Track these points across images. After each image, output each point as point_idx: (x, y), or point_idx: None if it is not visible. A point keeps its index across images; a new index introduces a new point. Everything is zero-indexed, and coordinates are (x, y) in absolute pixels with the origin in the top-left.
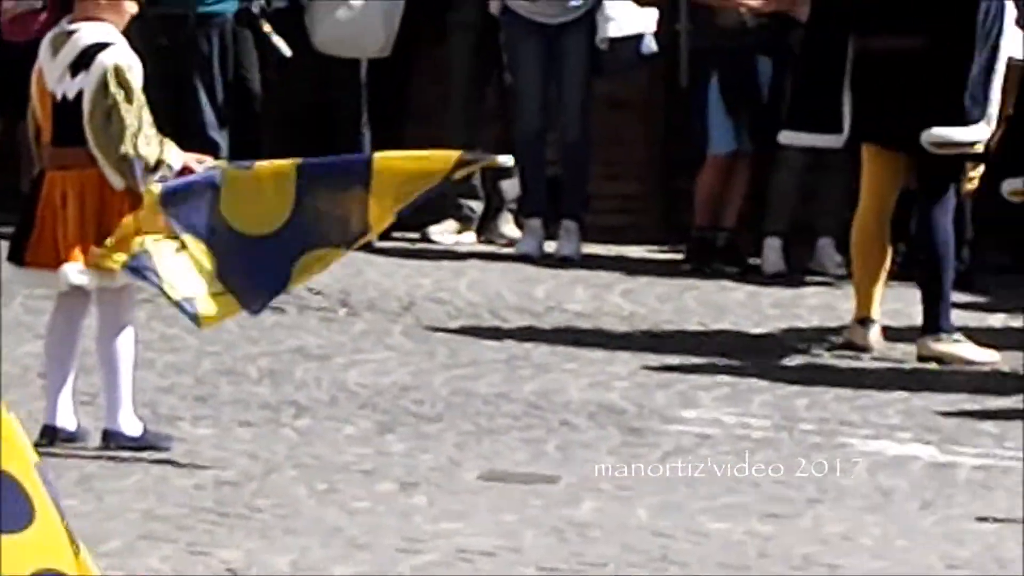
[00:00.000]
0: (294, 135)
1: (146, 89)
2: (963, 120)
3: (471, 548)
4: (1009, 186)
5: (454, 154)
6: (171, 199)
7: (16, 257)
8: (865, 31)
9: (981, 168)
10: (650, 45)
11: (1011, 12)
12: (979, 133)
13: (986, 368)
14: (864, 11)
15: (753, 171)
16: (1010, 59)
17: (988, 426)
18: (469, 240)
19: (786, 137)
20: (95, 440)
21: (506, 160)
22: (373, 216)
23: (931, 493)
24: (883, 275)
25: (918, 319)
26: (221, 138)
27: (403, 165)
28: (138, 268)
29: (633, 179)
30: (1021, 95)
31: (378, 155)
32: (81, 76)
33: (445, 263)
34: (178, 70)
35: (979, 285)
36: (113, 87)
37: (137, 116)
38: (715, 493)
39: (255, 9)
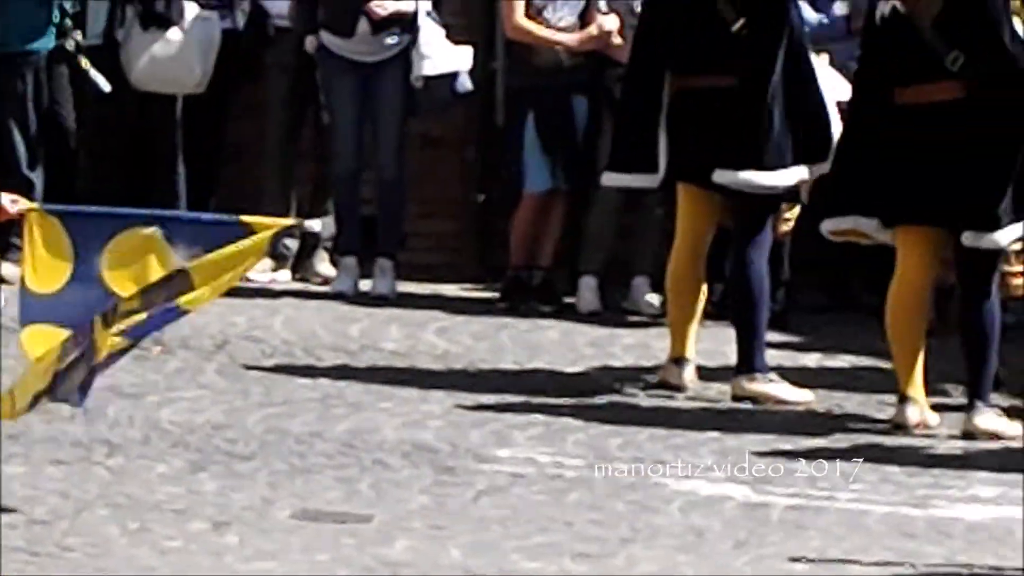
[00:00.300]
0: (110, 172)
1: None
2: (763, 164)
3: None
4: (830, 225)
5: (265, 236)
6: None
7: None
8: (680, 70)
9: (797, 209)
10: (465, 84)
11: (822, 61)
12: (780, 179)
13: (800, 408)
14: (680, 51)
15: (569, 210)
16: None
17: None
18: (284, 278)
19: (607, 179)
20: None
21: (312, 225)
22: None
23: (744, 533)
24: (698, 314)
25: (733, 359)
26: (35, 177)
27: (217, 260)
28: None
29: (449, 217)
30: (841, 137)
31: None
32: None
33: (260, 301)
34: None
35: (794, 325)
36: None
37: None
38: (528, 532)
39: (70, 46)
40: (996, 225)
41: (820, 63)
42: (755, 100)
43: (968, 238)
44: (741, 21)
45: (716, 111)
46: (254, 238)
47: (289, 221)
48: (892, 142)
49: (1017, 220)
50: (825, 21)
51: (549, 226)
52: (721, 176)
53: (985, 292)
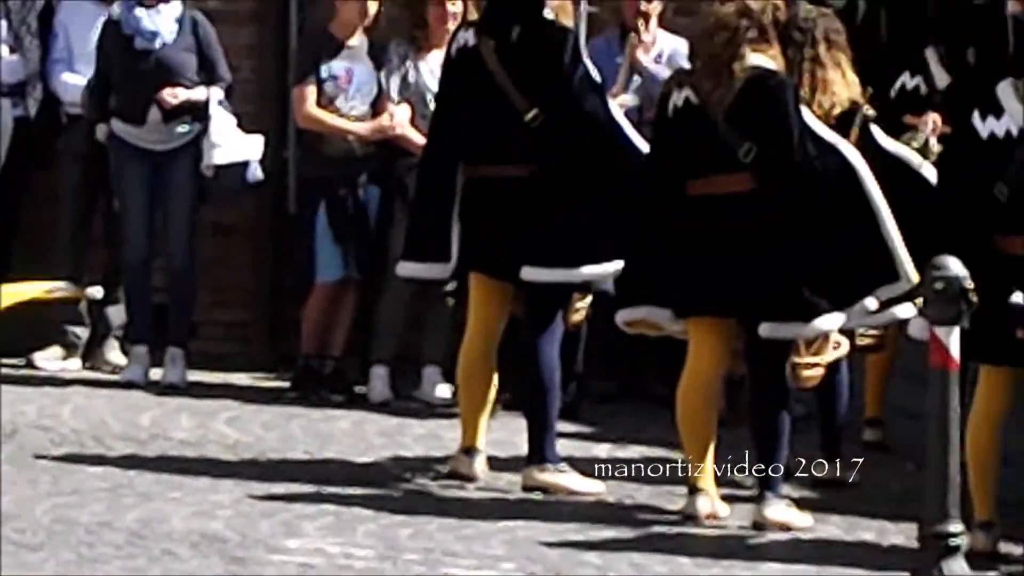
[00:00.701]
0: None
1: None
2: (560, 260)
3: None
4: (624, 316)
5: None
6: None
7: None
8: (473, 160)
9: (588, 298)
10: (256, 173)
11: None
12: (578, 275)
13: (591, 499)
14: (473, 140)
15: (360, 299)
16: None
17: (592, 557)
18: (74, 367)
19: (402, 268)
20: None
21: (95, 292)
22: None
23: None
24: (489, 405)
25: (524, 449)
26: None
27: None
28: None
29: (240, 306)
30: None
31: None
32: None
33: (49, 390)
34: None
35: (585, 415)
36: None
37: None
38: None
39: None
40: (783, 317)
41: None
42: (550, 192)
43: (766, 329)
44: (534, 111)
45: (509, 202)
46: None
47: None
48: (684, 233)
49: (814, 313)
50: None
51: (340, 315)
52: (527, 273)
53: (775, 383)
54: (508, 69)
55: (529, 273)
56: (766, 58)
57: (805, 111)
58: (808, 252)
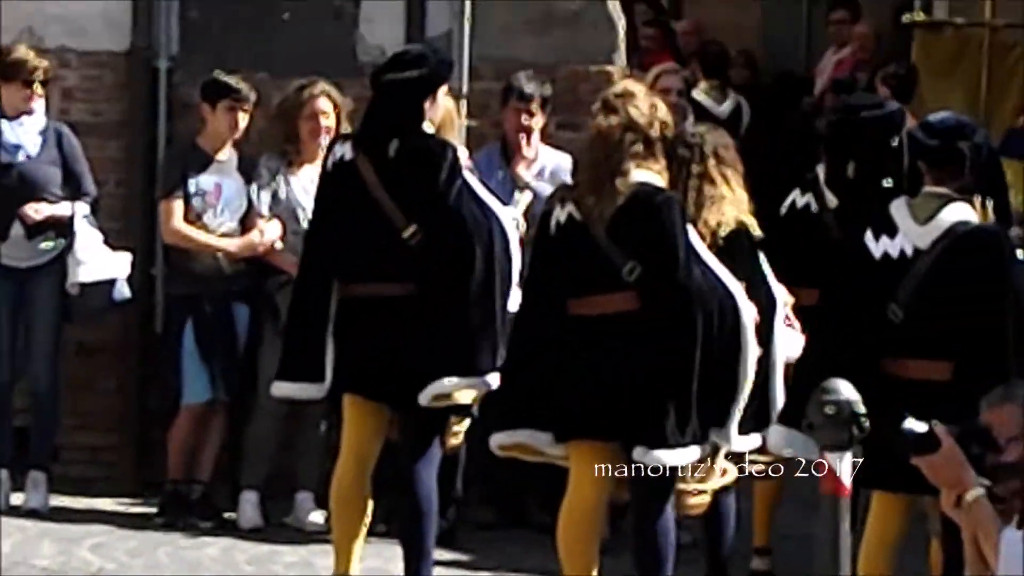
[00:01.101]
0: None
1: None
2: (433, 376)
3: None
4: (502, 439)
5: None
6: None
7: None
8: (349, 278)
9: (466, 422)
10: (123, 291)
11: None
12: (469, 393)
13: None
14: (349, 257)
15: (229, 421)
16: None
17: None
18: None
19: (276, 388)
20: None
21: None
22: None
23: None
24: (363, 530)
25: None
26: None
27: None
28: None
29: (105, 429)
30: (511, 347)
31: None
32: None
33: None
34: None
35: (463, 542)
36: None
37: None
38: None
39: None
40: (665, 443)
41: None
42: (427, 311)
43: (638, 454)
44: (412, 228)
45: (386, 321)
46: None
47: None
48: (565, 354)
49: (688, 441)
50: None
51: (209, 438)
52: (397, 393)
53: (658, 510)
54: (386, 184)
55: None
56: (652, 173)
57: (692, 233)
58: (687, 377)
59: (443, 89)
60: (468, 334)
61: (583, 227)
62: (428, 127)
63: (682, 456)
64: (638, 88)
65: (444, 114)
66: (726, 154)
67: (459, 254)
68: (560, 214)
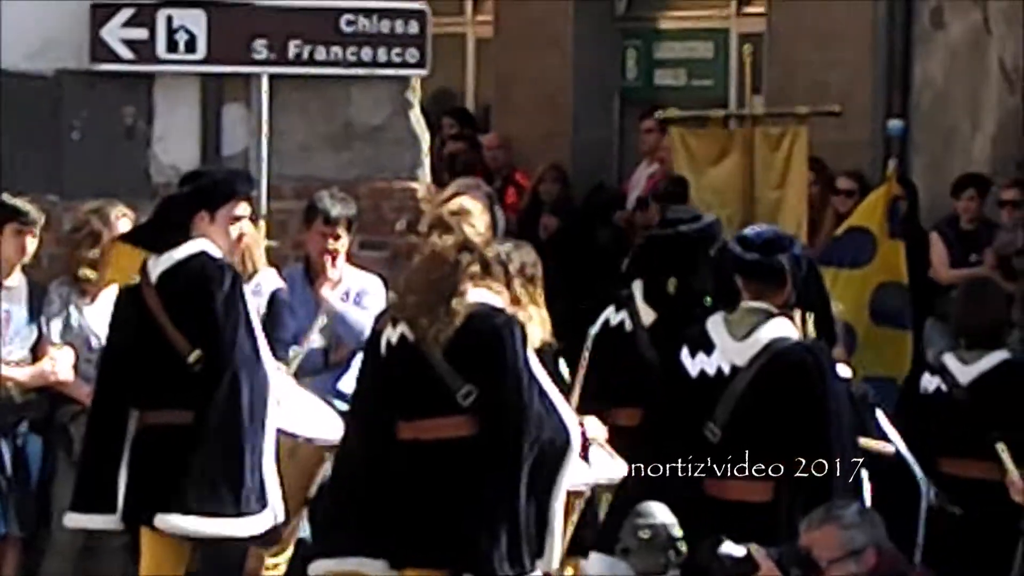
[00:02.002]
0: None
1: None
2: (202, 509)
3: None
4: (330, 566)
5: None
6: None
7: None
8: (142, 406)
9: (287, 553)
10: None
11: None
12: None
13: None
14: (141, 385)
15: (24, 557)
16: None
17: None
18: None
19: (69, 520)
20: None
21: None
22: None
23: None
24: None
25: None
26: None
27: None
28: None
29: None
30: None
31: None
32: None
33: None
34: None
35: None
36: None
37: None
38: None
39: None
40: (492, 572)
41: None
42: (200, 440)
43: None
44: (196, 353)
45: (172, 449)
46: None
47: None
48: (395, 479)
49: (518, 571)
50: (300, 352)
51: (2, 574)
52: (161, 521)
53: None
54: (169, 309)
55: (160, 521)
56: (490, 293)
57: (532, 356)
58: (517, 504)
59: (241, 210)
60: (238, 465)
61: (416, 348)
62: (211, 247)
63: None
64: (474, 205)
65: (249, 236)
66: (534, 272)
67: (237, 383)
68: (392, 334)
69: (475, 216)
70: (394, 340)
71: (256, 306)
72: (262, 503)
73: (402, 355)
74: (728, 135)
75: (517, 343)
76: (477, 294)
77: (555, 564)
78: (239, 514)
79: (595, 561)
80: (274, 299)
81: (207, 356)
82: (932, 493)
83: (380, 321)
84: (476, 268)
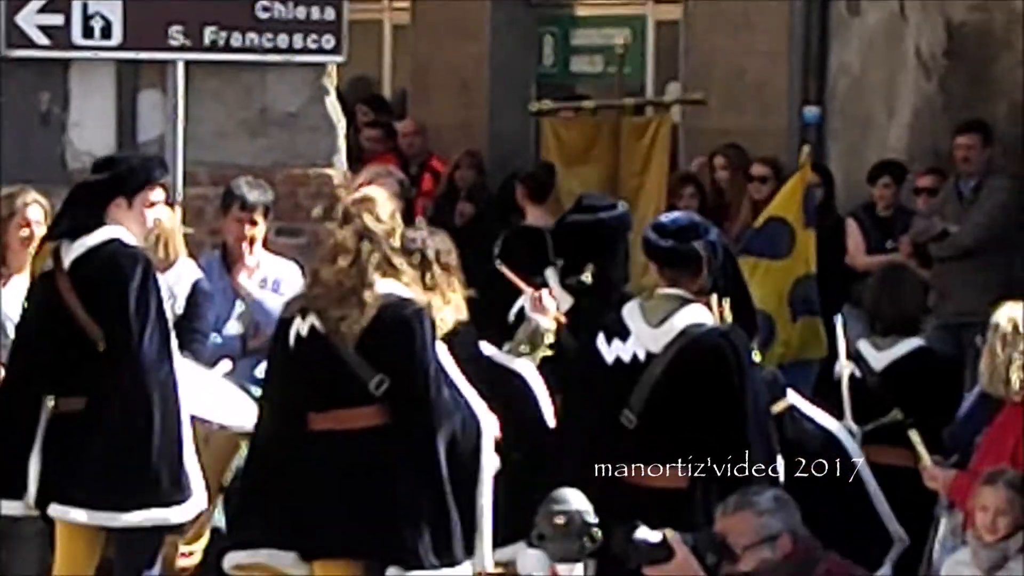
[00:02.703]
0: None
1: None
2: (96, 501)
3: None
4: (240, 558)
5: None
6: None
7: None
8: (56, 392)
9: (203, 539)
10: None
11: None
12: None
13: None
14: (56, 371)
15: None
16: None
17: None
18: None
19: None
20: None
21: None
22: None
23: None
24: None
25: None
26: None
27: None
28: None
29: None
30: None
31: None
32: None
33: None
34: None
35: None
36: None
37: None
38: None
39: None
40: (419, 563)
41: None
42: (102, 426)
43: (393, 572)
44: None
45: (73, 435)
46: None
47: None
48: (306, 470)
49: (446, 562)
50: (219, 340)
51: None
52: (55, 511)
53: None
54: (81, 295)
55: (56, 510)
56: (399, 284)
57: (440, 347)
58: (440, 494)
59: (156, 195)
60: (139, 453)
61: (326, 340)
62: (125, 234)
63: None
64: (379, 194)
65: (165, 222)
66: (448, 259)
67: (135, 371)
68: (301, 326)
69: (379, 205)
70: (304, 331)
71: (174, 297)
72: (185, 491)
73: (312, 347)
74: (596, 125)
75: (426, 334)
76: (385, 284)
77: (488, 563)
78: (162, 503)
79: (532, 556)
80: (195, 289)
81: (115, 343)
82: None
83: (288, 311)
84: (382, 258)
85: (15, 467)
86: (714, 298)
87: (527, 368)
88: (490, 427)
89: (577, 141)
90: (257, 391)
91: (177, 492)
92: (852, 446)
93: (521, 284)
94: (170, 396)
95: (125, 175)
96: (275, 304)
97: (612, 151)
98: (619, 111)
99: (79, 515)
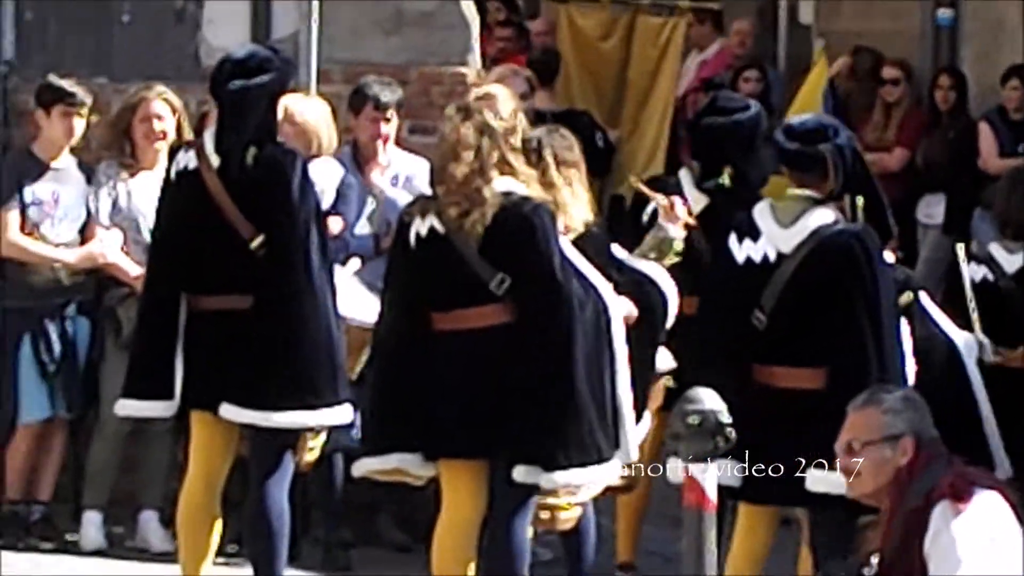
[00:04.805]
0: None
1: None
2: (266, 403)
3: None
4: (374, 464)
5: None
6: None
7: None
8: (196, 290)
9: (322, 437)
10: None
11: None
12: (287, 419)
13: None
14: (196, 269)
15: (70, 439)
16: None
17: None
18: None
19: (121, 407)
20: None
21: None
22: None
23: None
24: (211, 551)
25: None
26: None
27: None
28: None
29: None
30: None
31: None
32: None
33: None
34: None
35: (307, 557)
36: None
37: None
38: None
39: None
40: (550, 461)
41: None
42: (267, 326)
43: (520, 473)
44: (260, 238)
45: (229, 335)
46: None
47: None
48: (431, 371)
49: (573, 461)
50: (352, 239)
51: (48, 457)
52: (226, 411)
53: (519, 526)
54: (233, 194)
55: (228, 411)
56: (516, 182)
57: (564, 240)
58: (571, 391)
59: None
60: (302, 355)
61: (446, 240)
62: (280, 136)
63: (578, 476)
64: (501, 91)
65: (319, 118)
66: (568, 156)
67: (297, 269)
68: (421, 226)
69: (500, 102)
70: (423, 232)
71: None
72: (340, 393)
73: (433, 247)
74: (612, 18)
75: (547, 228)
76: (504, 183)
77: (634, 454)
78: (318, 405)
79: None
80: (343, 184)
81: (275, 242)
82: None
83: (408, 212)
84: (497, 155)
85: (158, 368)
86: (846, 200)
87: (657, 271)
88: (621, 314)
89: (593, 29)
90: None
91: (332, 394)
92: (972, 365)
93: (652, 194)
94: (328, 297)
95: (277, 77)
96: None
97: (624, 46)
98: (635, 8)
99: (236, 413)
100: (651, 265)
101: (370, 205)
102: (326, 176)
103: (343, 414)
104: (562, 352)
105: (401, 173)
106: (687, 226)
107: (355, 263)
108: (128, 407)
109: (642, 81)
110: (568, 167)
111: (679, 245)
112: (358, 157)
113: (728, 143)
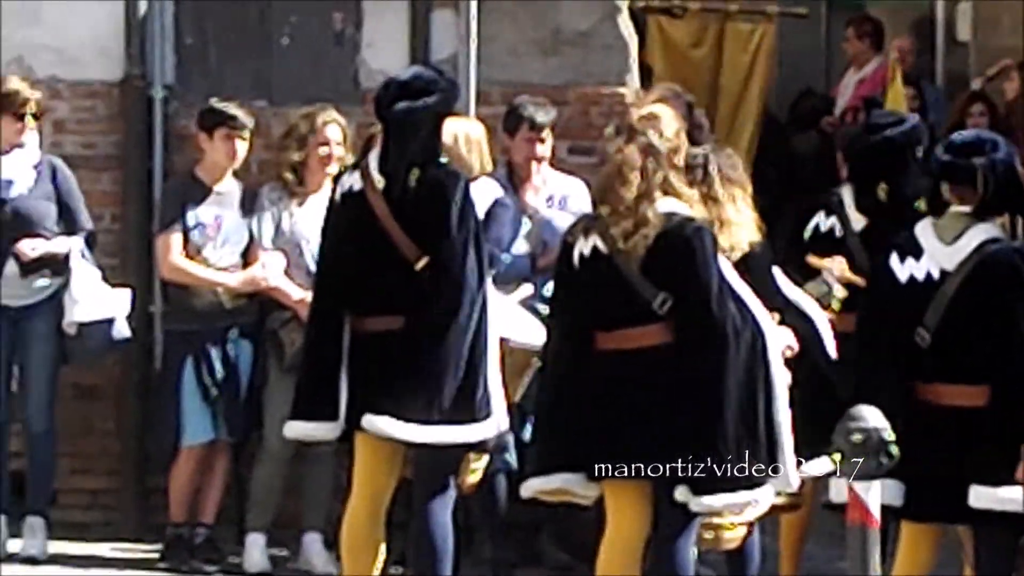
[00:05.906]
0: None
1: None
2: (428, 417)
3: None
4: (538, 484)
5: None
6: None
7: None
8: (360, 311)
9: (485, 458)
10: (122, 330)
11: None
12: (438, 435)
13: None
14: (359, 290)
15: (233, 462)
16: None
17: None
18: None
19: (290, 429)
20: None
21: None
22: None
23: None
24: (375, 573)
25: None
26: None
27: None
28: None
29: (104, 472)
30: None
31: None
32: None
33: None
34: None
35: None
36: None
37: None
38: None
39: None
40: (710, 485)
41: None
42: (427, 345)
43: (682, 493)
44: (425, 259)
45: (392, 355)
46: None
47: None
48: (595, 391)
49: (719, 485)
50: (508, 259)
51: (211, 480)
52: (368, 423)
53: (682, 546)
54: (397, 215)
55: (366, 421)
56: (679, 202)
57: (724, 263)
58: (713, 417)
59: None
60: (461, 372)
61: (609, 260)
62: (443, 157)
63: (731, 500)
64: (664, 111)
65: (475, 140)
66: (733, 174)
67: (455, 289)
68: (584, 246)
69: (664, 122)
70: (587, 252)
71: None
72: (488, 409)
73: (596, 266)
74: (702, 26)
75: (708, 250)
76: (667, 203)
77: (794, 480)
78: (466, 420)
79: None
80: (497, 204)
81: (437, 263)
82: None
83: (571, 232)
84: (661, 175)
85: (325, 389)
86: (1007, 216)
87: (813, 308)
88: (779, 341)
89: (682, 38)
90: (545, 310)
91: (481, 410)
92: None
93: (821, 264)
94: (484, 316)
95: (442, 99)
96: (563, 222)
97: (715, 54)
98: (724, 16)
99: (390, 426)
100: (808, 300)
101: (526, 225)
102: (479, 197)
103: (488, 430)
104: (713, 377)
105: (556, 194)
106: (849, 282)
107: (526, 288)
108: (296, 429)
109: (735, 87)
110: (732, 185)
111: (838, 301)
112: (513, 178)
113: (881, 160)
